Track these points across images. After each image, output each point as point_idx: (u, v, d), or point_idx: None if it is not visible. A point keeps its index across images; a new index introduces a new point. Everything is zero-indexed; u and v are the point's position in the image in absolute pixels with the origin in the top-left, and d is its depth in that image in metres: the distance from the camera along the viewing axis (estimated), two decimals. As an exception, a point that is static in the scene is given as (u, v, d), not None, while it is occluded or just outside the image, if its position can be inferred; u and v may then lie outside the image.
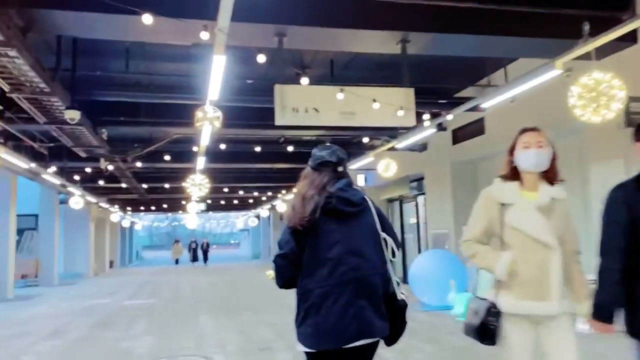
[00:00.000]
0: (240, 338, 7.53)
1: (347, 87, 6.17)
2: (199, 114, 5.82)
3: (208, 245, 32.95)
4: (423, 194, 13.50)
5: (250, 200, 26.08)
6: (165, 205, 28.20)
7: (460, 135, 11.33)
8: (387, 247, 2.52)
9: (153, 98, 8.69)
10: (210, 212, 41.95)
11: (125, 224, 33.02)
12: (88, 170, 13.89)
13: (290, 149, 13.12)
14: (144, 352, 6.77)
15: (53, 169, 12.75)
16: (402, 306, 2.52)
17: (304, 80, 6.15)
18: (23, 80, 6.09)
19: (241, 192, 21.39)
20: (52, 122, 8.15)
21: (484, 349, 2.75)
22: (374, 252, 2.48)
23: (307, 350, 2.41)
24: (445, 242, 12.02)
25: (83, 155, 11.61)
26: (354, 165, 14.94)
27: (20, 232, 20.78)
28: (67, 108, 6.94)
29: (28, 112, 8.38)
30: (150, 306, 11.84)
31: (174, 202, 26.97)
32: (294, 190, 2.62)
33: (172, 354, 6.60)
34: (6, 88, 6.24)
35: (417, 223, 14.53)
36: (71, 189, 16.11)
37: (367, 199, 2.57)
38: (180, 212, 33.65)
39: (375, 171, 15.82)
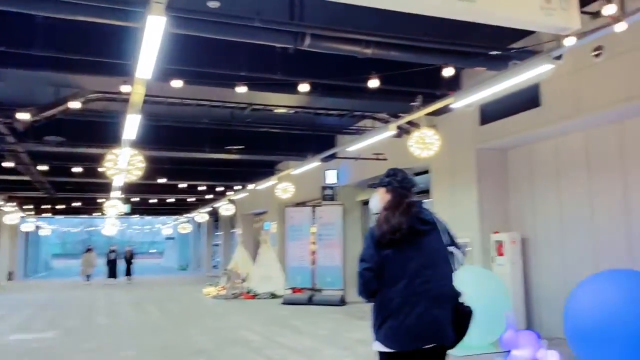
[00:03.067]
0: None
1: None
2: None
3: (132, 255, 25.55)
4: (425, 192, 10.40)
5: (192, 199, 21.75)
6: (79, 204, 22.78)
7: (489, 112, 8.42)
8: (453, 260, 2.82)
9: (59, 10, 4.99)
10: (138, 216, 36.50)
11: (28, 228, 27.69)
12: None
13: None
14: None
15: None
16: (467, 312, 2.79)
17: None
18: None
19: (183, 186, 17.14)
20: None
21: None
22: (444, 265, 2.78)
23: (386, 350, 2.68)
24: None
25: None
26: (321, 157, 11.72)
27: None
28: None
29: None
30: (46, 346, 7.94)
31: (90, 202, 22.24)
32: (379, 207, 2.91)
33: None
34: None
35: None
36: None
37: (435, 217, 2.87)
38: (99, 214, 27.99)
39: (351, 164, 12.70)
